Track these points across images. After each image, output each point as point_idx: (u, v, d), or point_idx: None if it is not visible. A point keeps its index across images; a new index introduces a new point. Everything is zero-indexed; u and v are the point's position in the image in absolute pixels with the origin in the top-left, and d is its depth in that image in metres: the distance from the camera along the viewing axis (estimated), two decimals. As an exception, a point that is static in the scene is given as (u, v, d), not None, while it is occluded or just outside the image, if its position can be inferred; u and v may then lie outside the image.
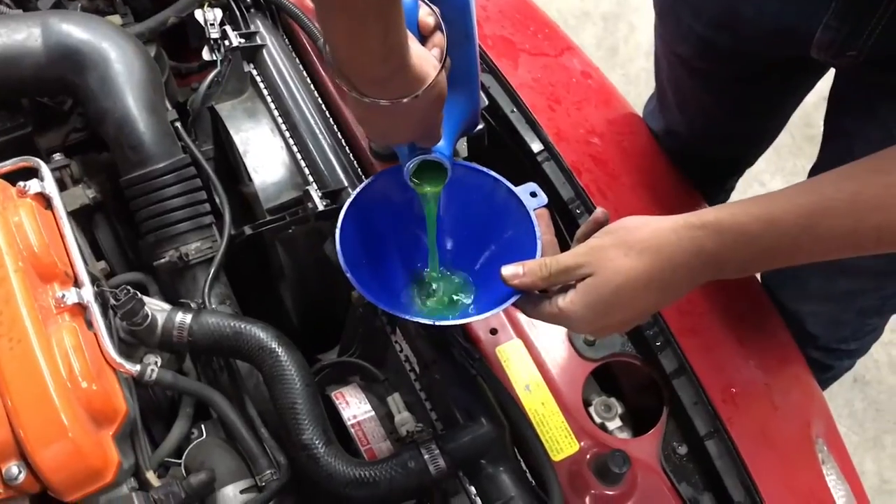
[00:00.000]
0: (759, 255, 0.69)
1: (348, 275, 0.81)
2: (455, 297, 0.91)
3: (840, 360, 1.35)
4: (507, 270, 0.79)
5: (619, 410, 1.02)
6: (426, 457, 0.87)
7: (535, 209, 0.85)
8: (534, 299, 0.79)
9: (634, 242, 0.73)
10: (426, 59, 0.70)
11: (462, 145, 1.11)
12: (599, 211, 0.80)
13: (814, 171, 1.11)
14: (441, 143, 0.83)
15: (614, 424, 1.01)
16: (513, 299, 0.79)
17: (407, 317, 0.82)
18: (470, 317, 0.83)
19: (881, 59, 0.88)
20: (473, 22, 0.80)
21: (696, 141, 1.30)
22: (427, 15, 0.73)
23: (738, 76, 1.13)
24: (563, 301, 0.76)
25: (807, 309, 1.21)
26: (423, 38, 0.74)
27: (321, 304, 1.23)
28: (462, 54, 0.81)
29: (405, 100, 0.69)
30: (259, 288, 1.34)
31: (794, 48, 0.95)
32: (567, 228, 1.07)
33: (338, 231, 0.86)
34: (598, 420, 1.01)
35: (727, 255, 0.70)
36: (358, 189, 0.90)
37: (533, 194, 0.86)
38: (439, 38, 0.74)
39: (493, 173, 0.89)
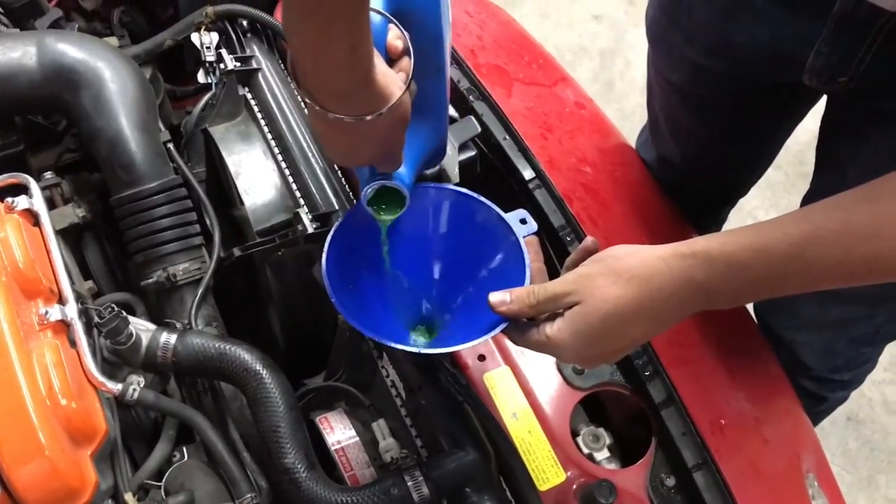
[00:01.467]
0: (749, 284, 0.69)
1: (333, 299, 0.80)
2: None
3: (833, 392, 1.34)
4: (495, 297, 0.78)
5: (608, 441, 1.01)
6: (409, 484, 0.85)
7: (524, 236, 0.85)
8: (521, 327, 0.79)
9: (623, 271, 0.72)
10: (391, 79, 0.70)
11: (454, 171, 1.12)
12: (589, 240, 0.79)
13: (807, 200, 1.11)
14: (402, 171, 0.83)
15: (602, 455, 1.00)
16: (500, 327, 0.79)
17: (392, 344, 0.81)
18: (457, 345, 0.82)
19: (872, 85, 0.89)
20: (446, 54, 0.80)
21: (689, 169, 1.30)
22: (396, 38, 0.73)
23: (730, 103, 1.13)
24: (551, 329, 0.75)
25: (800, 338, 1.21)
26: (391, 62, 0.73)
27: (308, 329, 1.22)
28: (431, 85, 0.81)
29: (368, 118, 0.68)
30: (247, 311, 1.34)
31: (786, 74, 0.95)
32: (557, 256, 1.07)
33: (324, 254, 0.85)
34: (585, 450, 1.00)
35: (717, 285, 0.69)
36: (346, 213, 0.90)
37: (523, 221, 0.86)
38: (406, 63, 0.74)
39: (482, 199, 0.88)
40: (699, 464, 0.94)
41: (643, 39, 1.21)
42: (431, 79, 0.81)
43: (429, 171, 1.09)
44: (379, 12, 0.71)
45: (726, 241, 0.69)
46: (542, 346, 0.76)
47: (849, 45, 0.86)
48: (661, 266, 0.71)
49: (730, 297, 0.71)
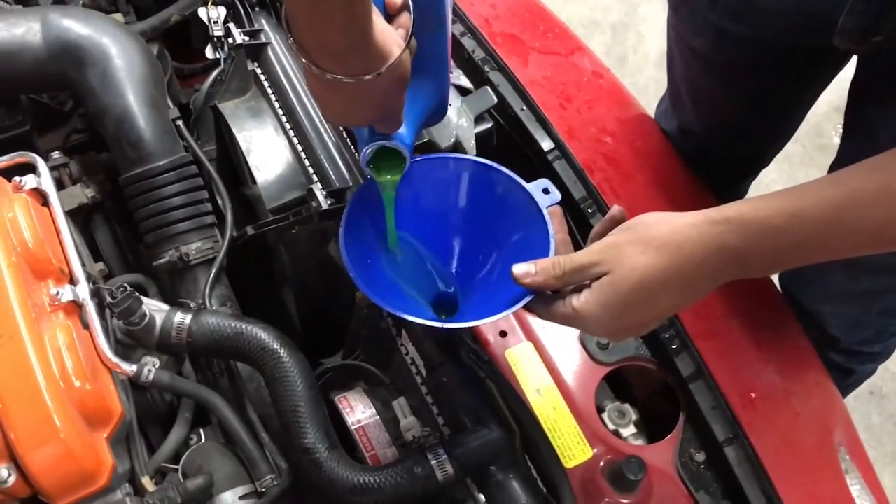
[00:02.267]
0: (784, 250, 0.66)
1: (351, 274, 0.78)
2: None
3: (862, 364, 1.31)
4: (519, 269, 0.75)
5: (634, 417, 0.98)
6: (433, 462, 0.83)
7: (547, 206, 0.82)
8: (546, 300, 0.76)
9: (652, 239, 0.69)
10: (390, 37, 0.67)
11: (470, 144, 1.09)
12: (616, 208, 0.76)
13: (835, 167, 1.08)
14: (403, 131, 0.80)
15: (628, 431, 0.98)
16: (525, 300, 0.76)
17: (413, 318, 0.78)
18: (480, 319, 0.79)
19: None
20: (447, 8, 0.77)
21: (711, 139, 1.27)
22: None
23: (753, 69, 1.10)
24: (578, 301, 0.72)
25: (828, 309, 1.18)
26: (390, 18, 0.70)
27: (325, 308, 1.20)
28: (432, 40, 0.78)
29: (367, 77, 0.65)
30: (262, 291, 1.31)
31: (813, 36, 0.92)
32: (579, 228, 1.04)
33: (341, 229, 0.82)
34: (611, 427, 0.97)
35: (751, 252, 0.66)
36: (361, 186, 0.87)
37: (545, 191, 0.83)
38: (406, 19, 0.71)
39: (503, 168, 0.86)
40: (730, 438, 0.91)
41: (656, 12, 1.18)
42: (432, 34, 0.78)
43: (444, 144, 1.06)
44: None
45: (760, 205, 0.66)
46: (569, 320, 0.74)
47: (885, 2, 0.82)
48: (693, 233, 0.68)
49: (765, 265, 0.68)
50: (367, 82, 0.66)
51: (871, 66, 0.98)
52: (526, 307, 0.76)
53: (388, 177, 0.83)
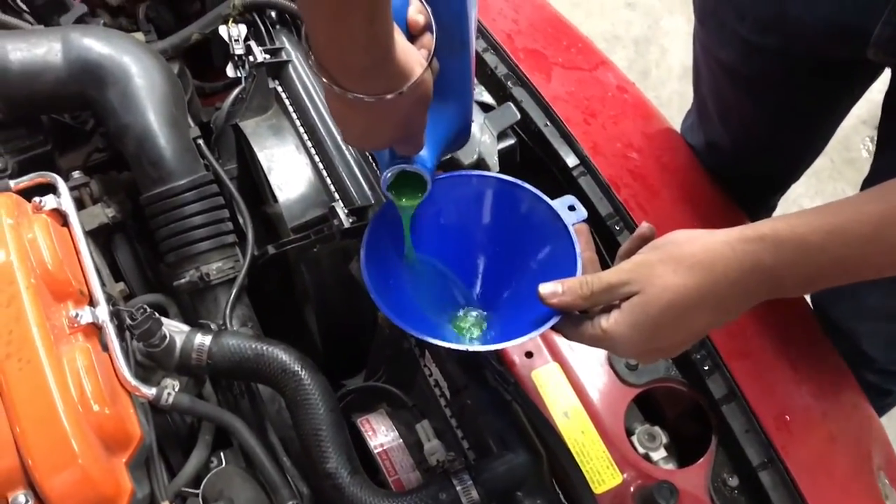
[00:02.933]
0: (822, 269, 0.64)
1: (373, 295, 0.76)
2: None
3: (900, 385, 1.28)
4: (546, 288, 0.73)
5: (664, 440, 0.96)
6: (458, 488, 0.81)
7: (573, 224, 0.80)
8: (574, 320, 0.74)
9: (684, 258, 0.67)
10: (412, 56, 0.65)
11: (493, 161, 1.07)
12: (645, 226, 0.74)
13: (869, 182, 1.05)
14: (424, 155, 0.78)
15: (659, 455, 0.95)
16: (553, 321, 0.74)
17: (438, 342, 0.76)
18: (506, 341, 0.77)
19: None
20: (471, 30, 0.75)
21: (738, 153, 1.24)
22: (417, 12, 0.68)
23: (782, 82, 1.07)
24: (607, 322, 0.70)
25: (864, 328, 1.15)
26: (412, 38, 0.69)
27: (347, 328, 1.18)
28: (455, 62, 0.77)
29: (388, 97, 0.64)
30: (283, 311, 1.30)
31: (846, 49, 0.90)
32: (605, 246, 1.02)
33: (362, 249, 0.81)
34: (641, 450, 0.95)
35: (786, 271, 0.64)
36: (383, 205, 0.85)
37: (571, 208, 0.81)
38: (428, 39, 0.69)
39: (527, 185, 0.84)
40: (765, 462, 0.88)
41: (678, 26, 1.16)
42: (455, 56, 0.76)
43: (467, 161, 1.04)
44: None
45: (796, 222, 0.64)
46: (598, 341, 0.71)
47: None
48: (726, 251, 0.66)
49: (800, 284, 0.66)
50: (389, 102, 0.65)
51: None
52: (553, 328, 0.74)
53: (408, 202, 0.82)
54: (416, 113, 0.70)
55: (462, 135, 0.87)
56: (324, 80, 0.64)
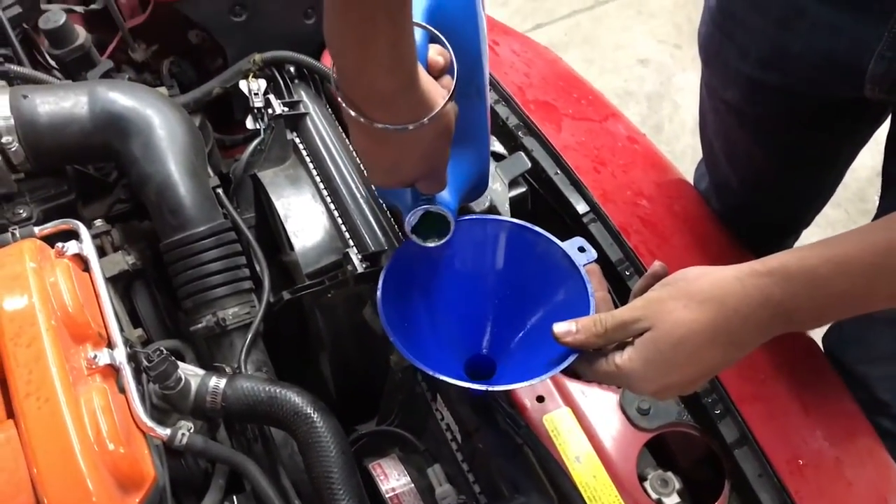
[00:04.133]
0: (831, 300, 0.64)
1: (387, 329, 0.77)
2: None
3: (915, 431, 1.26)
4: (560, 328, 0.74)
5: (677, 486, 0.95)
6: (469, 531, 0.81)
7: (584, 265, 0.81)
8: (589, 358, 0.75)
9: (696, 293, 0.68)
10: (434, 88, 0.68)
11: (505, 208, 1.09)
12: (657, 264, 0.76)
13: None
14: (447, 197, 0.80)
15: (672, 500, 0.94)
16: (570, 360, 0.74)
17: (452, 380, 0.77)
18: (521, 381, 0.78)
19: None
20: (485, 79, 0.78)
21: (747, 195, 1.25)
22: (438, 54, 0.71)
23: (788, 122, 1.09)
24: (621, 358, 0.71)
25: (876, 373, 1.14)
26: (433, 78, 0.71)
27: (360, 374, 1.19)
28: (471, 108, 0.80)
29: (411, 126, 0.66)
30: (298, 357, 1.31)
31: (845, 86, 0.92)
32: (617, 291, 1.02)
33: (379, 290, 0.82)
34: (654, 496, 0.94)
35: (797, 303, 0.65)
36: (398, 249, 0.87)
37: (581, 249, 0.82)
38: (448, 81, 0.72)
39: (538, 229, 0.85)
40: (779, 507, 0.87)
41: (690, 82, 1.19)
42: (472, 101, 0.79)
43: (479, 209, 1.06)
44: (421, 25, 0.69)
45: (804, 255, 0.65)
46: (612, 377, 0.72)
47: None
48: (737, 286, 0.67)
49: (811, 316, 0.66)
50: (413, 133, 0.67)
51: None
52: (568, 367, 0.75)
53: (432, 243, 0.83)
54: (439, 146, 0.73)
55: (480, 182, 0.89)
56: (351, 112, 0.67)
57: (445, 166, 0.77)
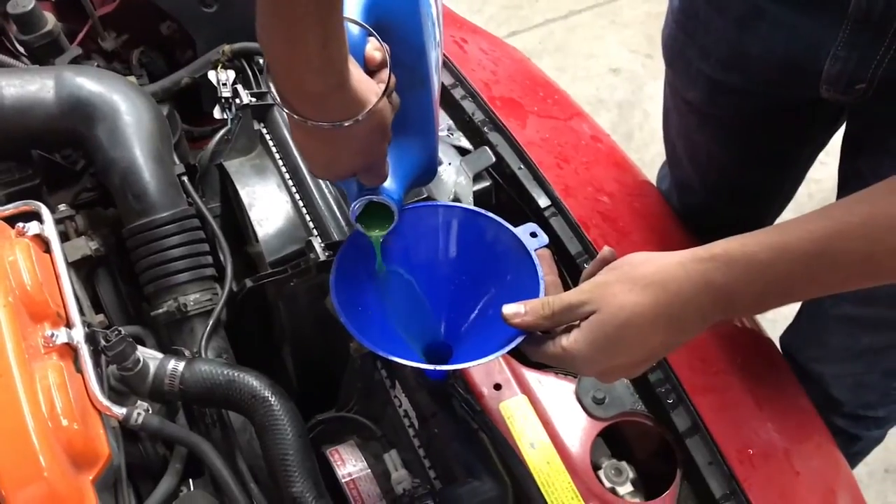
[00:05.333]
0: (771, 286, 0.66)
1: (340, 317, 0.78)
2: None
3: (868, 430, 1.28)
4: (509, 309, 0.76)
5: (631, 475, 0.96)
6: (422, 514, 0.82)
7: (535, 249, 0.83)
8: (537, 340, 0.76)
9: (639, 277, 0.70)
10: (368, 86, 0.68)
11: (468, 201, 1.10)
12: (606, 249, 0.77)
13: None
14: (391, 187, 0.81)
15: (625, 489, 0.95)
16: (517, 341, 0.76)
17: (404, 361, 0.77)
18: (470, 361, 0.79)
19: (891, 90, 0.87)
20: (430, 68, 0.79)
21: (708, 194, 1.28)
22: (374, 49, 0.72)
23: (746, 122, 1.12)
24: (567, 340, 0.72)
25: (830, 370, 1.16)
26: (370, 73, 0.72)
27: (322, 364, 1.19)
28: (416, 99, 0.81)
29: (346, 123, 0.67)
30: (260, 352, 1.31)
31: (804, 87, 0.94)
32: (575, 283, 1.04)
33: (332, 273, 0.83)
34: (608, 485, 0.95)
35: (738, 288, 0.67)
36: (350, 235, 0.88)
37: (533, 234, 0.84)
38: (385, 75, 0.72)
39: (491, 214, 0.87)
40: (727, 494, 0.89)
41: (662, 92, 1.21)
42: (416, 92, 0.80)
43: (442, 202, 1.08)
44: (357, 23, 0.70)
45: (746, 241, 0.67)
46: (559, 359, 0.73)
47: (866, 48, 0.84)
48: (679, 271, 0.68)
49: (752, 301, 0.68)
50: (347, 130, 0.68)
51: (860, 117, 1.00)
52: (517, 348, 0.76)
53: (377, 232, 0.85)
54: (374, 142, 0.73)
55: (428, 170, 0.90)
56: (285, 110, 0.68)
57: (384, 160, 0.78)
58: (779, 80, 1.00)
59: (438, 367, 0.77)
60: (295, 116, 0.67)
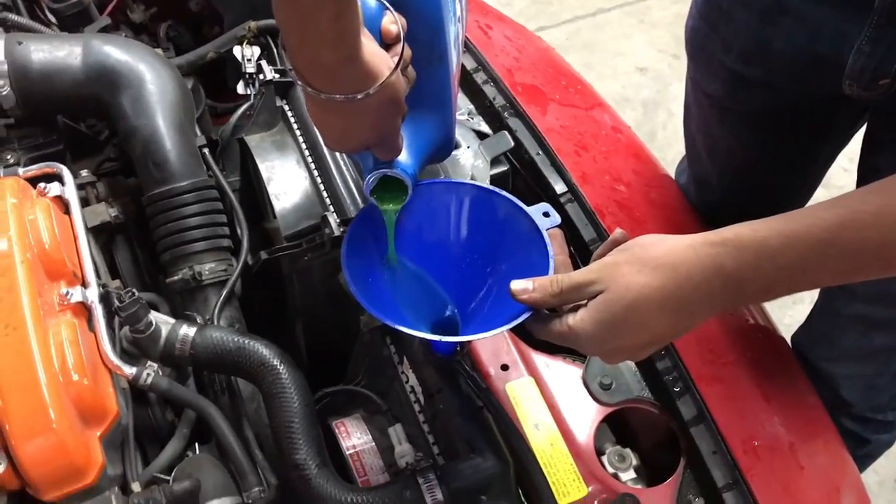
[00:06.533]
0: (781, 273, 0.66)
1: (349, 282, 0.79)
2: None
3: (877, 434, 1.27)
4: (517, 285, 0.76)
5: (634, 462, 0.96)
6: (423, 486, 0.82)
7: (547, 229, 0.83)
8: (543, 318, 0.76)
9: (650, 259, 0.70)
10: (381, 59, 0.68)
11: (486, 184, 1.11)
12: (618, 231, 0.77)
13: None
14: (406, 161, 0.81)
15: (628, 476, 0.95)
16: (523, 317, 0.76)
17: (411, 331, 0.78)
18: (476, 334, 0.80)
19: None
20: (448, 44, 0.79)
21: (726, 191, 1.27)
22: (390, 23, 0.72)
23: (767, 118, 1.11)
24: (573, 319, 0.72)
25: (841, 370, 1.15)
26: (386, 47, 0.72)
27: (332, 341, 1.20)
28: (433, 75, 0.80)
29: (358, 96, 0.67)
30: (272, 327, 1.33)
31: (826, 82, 0.93)
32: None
33: (344, 244, 0.83)
34: (610, 470, 0.95)
35: (748, 274, 0.66)
36: (365, 207, 0.88)
37: (546, 214, 0.84)
38: (400, 49, 0.72)
39: (504, 193, 0.87)
40: (729, 484, 0.89)
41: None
42: (434, 68, 0.80)
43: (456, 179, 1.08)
44: None
45: (758, 227, 0.67)
46: (564, 337, 0.74)
47: (892, 42, 0.84)
48: (690, 254, 0.68)
49: (761, 288, 0.68)
50: (360, 103, 0.68)
51: (881, 115, 0.99)
52: (523, 325, 0.77)
53: (391, 206, 0.85)
54: (387, 115, 0.73)
55: (444, 147, 0.90)
56: (299, 82, 0.68)
57: (397, 134, 0.78)
58: (801, 75, 0.99)
59: (444, 339, 0.77)
60: (308, 89, 0.68)
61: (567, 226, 1.06)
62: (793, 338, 1.25)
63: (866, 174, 1.04)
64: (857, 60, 0.87)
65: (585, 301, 0.72)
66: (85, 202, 1.14)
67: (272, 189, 1.13)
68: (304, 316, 1.21)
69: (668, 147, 2.52)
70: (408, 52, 0.73)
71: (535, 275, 0.78)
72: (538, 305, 0.75)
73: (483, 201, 0.87)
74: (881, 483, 1.93)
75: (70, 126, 1.20)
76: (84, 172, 1.15)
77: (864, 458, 1.35)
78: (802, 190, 1.28)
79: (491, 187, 0.88)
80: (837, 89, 0.93)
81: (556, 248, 0.81)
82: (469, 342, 0.97)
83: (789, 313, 2.09)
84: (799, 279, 0.67)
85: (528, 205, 0.88)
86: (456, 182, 0.90)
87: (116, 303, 0.87)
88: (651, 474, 0.97)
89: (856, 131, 1.14)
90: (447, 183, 0.90)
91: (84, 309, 0.89)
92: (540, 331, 0.76)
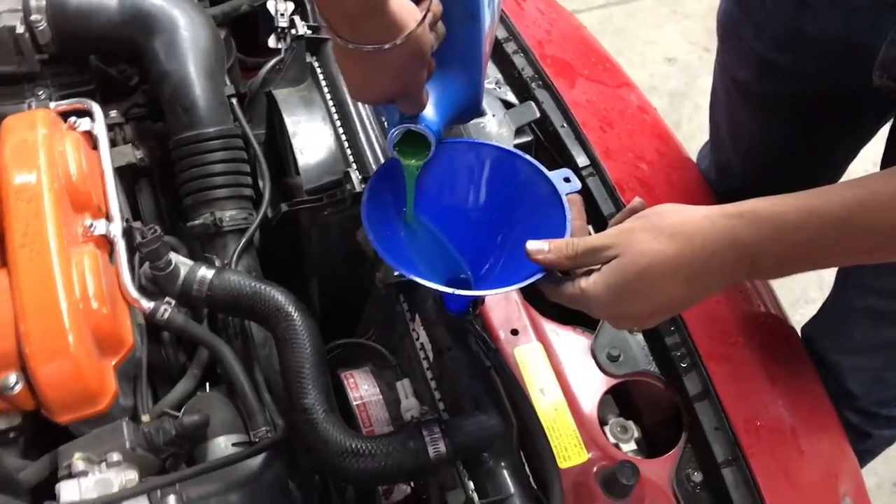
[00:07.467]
0: (797, 248, 0.66)
1: (366, 227, 0.79)
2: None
3: (880, 429, 1.28)
4: (533, 245, 0.77)
5: (636, 434, 0.97)
6: (427, 438, 0.83)
7: (567, 194, 0.83)
8: (556, 280, 0.77)
9: (666, 227, 0.70)
10: (409, 11, 0.69)
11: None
12: (636, 200, 0.78)
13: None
14: (432, 118, 0.82)
15: (629, 447, 0.96)
16: (536, 276, 0.77)
17: (425, 282, 0.78)
18: (490, 289, 0.80)
19: None
20: (482, 3, 0.79)
21: (748, 178, 1.27)
22: None
23: (795, 105, 1.11)
24: (586, 282, 0.73)
25: (849, 362, 1.16)
26: (417, 1, 0.72)
27: (346, 298, 1.22)
28: (464, 32, 0.80)
29: (385, 47, 0.67)
30: (288, 282, 1.34)
31: (856, 72, 0.93)
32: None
33: (365, 195, 0.84)
34: (612, 440, 0.96)
35: (763, 247, 0.67)
36: (387, 162, 0.89)
37: (567, 179, 0.84)
38: (430, 3, 0.72)
39: (525, 155, 0.87)
40: (729, 460, 0.89)
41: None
42: (465, 25, 0.79)
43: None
44: None
45: (777, 202, 0.67)
46: (575, 300, 0.74)
47: None
48: (706, 224, 0.69)
49: (776, 263, 0.68)
50: (384, 53, 0.68)
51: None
52: (536, 287, 0.77)
53: (413, 161, 0.86)
54: (412, 68, 0.74)
55: (471, 107, 0.90)
56: (324, 29, 0.69)
57: (421, 88, 0.78)
58: (831, 64, 0.99)
59: (459, 292, 0.78)
60: (337, 39, 0.68)
61: (587, 199, 1.06)
62: (803, 329, 1.25)
63: (890, 165, 1.04)
64: (889, 50, 0.87)
65: (599, 266, 0.73)
66: (112, 143, 1.15)
67: (297, 143, 1.15)
68: (320, 271, 1.22)
69: (691, 139, 2.50)
70: (438, 7, 0.73)
71: (553, 236, 0.79)
72: (552, 267, 0.76)
73: (505, 163, 0.87)
74: (879, 485, 1.94)
75: (101, 69, 1.21)
76: (113, 113, 1.16)
77: (865, 453, 1.35)
78: (823, 180, 1.27)
79: (513, 149, 0.88)
80: (866, 80, 0.92)
81: (574, 212, 0.82)
82: (482, 302, 0.97)
83: (800, 311, 2.08)
84: (815, 256, 0.67)
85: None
86: (479, 142, 0.91)
87: (139, 238, 0.89)
88: (652, 449, 0.98)
89: (881, 126, 1.13)
90: (470, 143, 0.91)
91: (106, 242, 0.90)
92: (552, 292, 0.77)
